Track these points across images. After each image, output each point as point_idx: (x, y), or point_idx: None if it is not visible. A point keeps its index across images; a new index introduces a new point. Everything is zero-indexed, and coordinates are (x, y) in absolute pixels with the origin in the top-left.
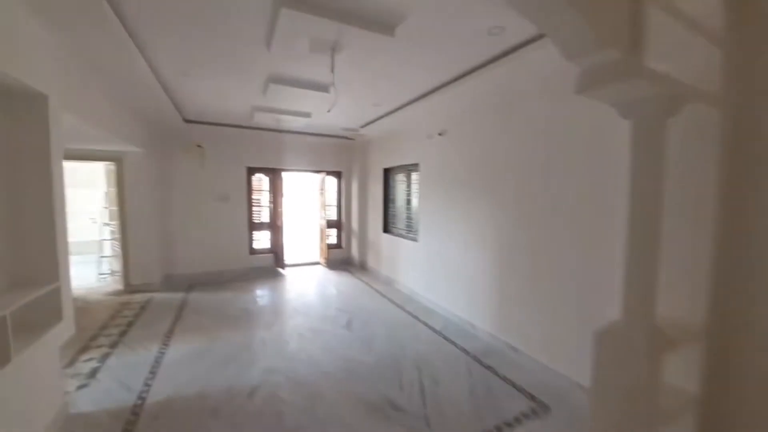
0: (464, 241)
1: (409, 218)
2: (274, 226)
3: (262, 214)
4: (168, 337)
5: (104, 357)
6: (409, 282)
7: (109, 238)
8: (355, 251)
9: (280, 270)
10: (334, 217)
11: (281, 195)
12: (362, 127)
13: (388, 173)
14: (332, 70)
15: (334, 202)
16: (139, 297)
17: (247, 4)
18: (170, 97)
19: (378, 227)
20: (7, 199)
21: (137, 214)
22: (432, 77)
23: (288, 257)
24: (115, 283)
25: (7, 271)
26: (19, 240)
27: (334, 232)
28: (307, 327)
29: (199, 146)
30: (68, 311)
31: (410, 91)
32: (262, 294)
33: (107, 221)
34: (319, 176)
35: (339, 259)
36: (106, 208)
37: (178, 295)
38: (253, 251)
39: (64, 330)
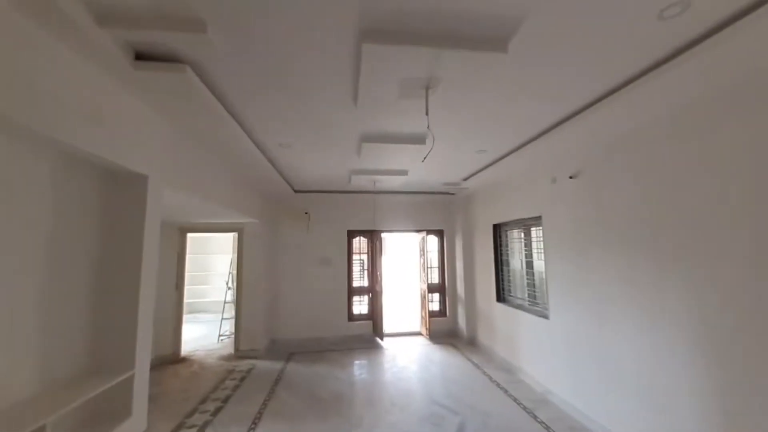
0: (634, 326)
1: (531, 286)
2: (373, 290)
3: (362, 279)
4: (255, 422)
5: None
6: (539, 374)
7: (230, 300)
8: (461, 321)
9: (379, 340)
10: (436, 280)
11: (380, 257)
12: (465, 179)
13: (498, 230)
14: (426, 113)
15: (436, 264)
16: (244, 364)
17: (324, 51)
18: (278, 171)
19: (489, 294)
20: (96, 274)
21: (250, 280)
22: (556, 106)
23: (387, 325)
24: (229, 346)
25: (85, 354)
26: (100, 319)
27: (437, 297)
28: (404, 431)
29: (306, 213)
30: (140, 405)
31: (525, 129)
32: (356, 373)
33: (230, 285)
34: (418, 236)
35: (443, 330)
36: (230, 273)
37: (277, 365)
38: (351, 317)
39: (135, 427)
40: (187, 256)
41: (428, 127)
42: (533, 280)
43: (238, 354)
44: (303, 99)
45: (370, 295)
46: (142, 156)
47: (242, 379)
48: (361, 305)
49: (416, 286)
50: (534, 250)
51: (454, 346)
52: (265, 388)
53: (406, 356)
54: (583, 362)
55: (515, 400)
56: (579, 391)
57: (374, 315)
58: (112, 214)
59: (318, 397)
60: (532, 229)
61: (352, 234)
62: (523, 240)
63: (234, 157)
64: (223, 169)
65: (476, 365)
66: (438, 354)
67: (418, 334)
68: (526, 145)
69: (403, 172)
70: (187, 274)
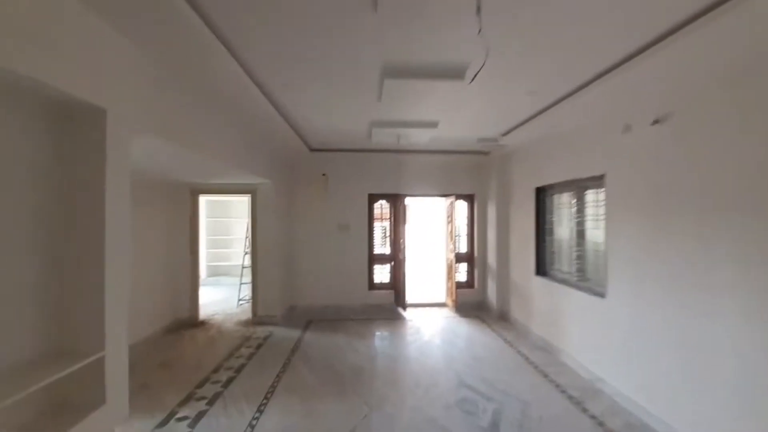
0: (741, 314)
1: (581, 259)
2: (396, 259)
3: (383, 246)
4: (267, 397)
5: (197, 418)
6: (586, 358)
7: (248, 265)
8: (491, 294)
9: (401, 310)
10: (464, 249)
11: (404, 224)
12: (505, 134)
13: (542, 194)
14: (478, 10)
15: (465, 232)
16: (261, 331)
17: None
18: (287, 121)
19: (527, 267)
20: (49, 237)
21: (266, 244)
22: (644, 24)
23: (410, 296)
24: (248, 311)
25: (37, 335)
26: (57, 293)
27: (464, 267)
28: (429, 418)
29: (323, 175)
30: (117, 390)
31: (594, 60)
32: (377, 345)
33: (247, 250)
34: (446, 201)
35: (470, 302)
36: (247, 237)
37: (295, 333)
38: (372, 286)
39: (111, 416)
40: (209, 220)
41: (480, 31)
42: (584, 252)
43: (256, 320)
44: (311, 32)
45: (392, 263)
46: (98, 84)
47: (258, 346)
48: (382, 274)
49: (441, 255)
50: (588, 218)
51: (482, 320)
52: (280, 358)
53: (431, 329)
54: (651, 350)
55: (558, 386)
56: (641, 383)
57: (396, 284)
58: (66, 161)
59: (335, 370)
60: (588, 192)
61: (373, 198)
62: (574, 205)
63: (231, 101)
64: (222, 118)
65: (509, 343)
66: (465, 328)
67: (443, 305)
68: (592, 83)
69: (433, 125)
70: (209, 238)
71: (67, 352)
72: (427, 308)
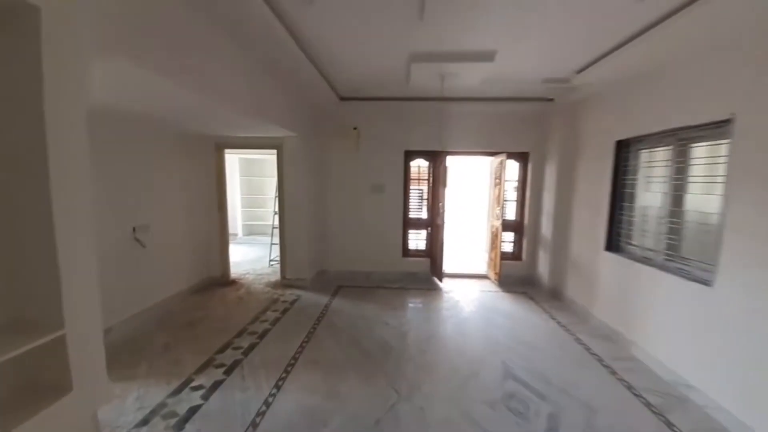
0: None
1: (676, 233)
2: (434, 224)
3: (420, 210)
4: (287, 371)
5: (213, 388)
6: (671, 356)
7: (277, 226)
8: (543, 268)
9: (437, 281)
10: (512, 216)
11: (444, 186)
12: (582, 70)
13: (624, 149)
14: None
15: (514, 197)
16: (289, 294)
17: None
18: (307, 56)
19: (594, 240)
20: None
21: (293, 204)
22: None
23: (447, 265)
24: (279, 272)
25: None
26: (12, 250)
27: (510, 237)
28: (468, 416)
29: (354, 129)
30: (91, 375)
31: None
32: (409, 319)
33: (276, 209)
34: (494, 161)
35: (516, 276)
36: (276, 196)
37: (323, 299)
38: (406, 252)
39: (81, 404)
40: (243, 179)
41: None
42: (682, 224)
43: (285, 282)
44: None
45: (429, 229)
46: None
47: (284, 311)
48: (417, 240)
49: (484, 222)
50: (693, 179)
51: (530, 297)
52: (306, 326)
53: (470, 303)
54: None
55: (631, 388)
56: (748, 398)
57: (433, 252)
58: None
59: (362, 346)
60: (695, 145)
61: (410, 155)
62: (673, 163)
63: (244, 29)
64: (235, 52)
65: (564, 327)
66: (510, 305)
67: (484, 277)
68: None
69: (488, 56)
70: (244, 197)
71: (29, 326)
72: (466, 280)
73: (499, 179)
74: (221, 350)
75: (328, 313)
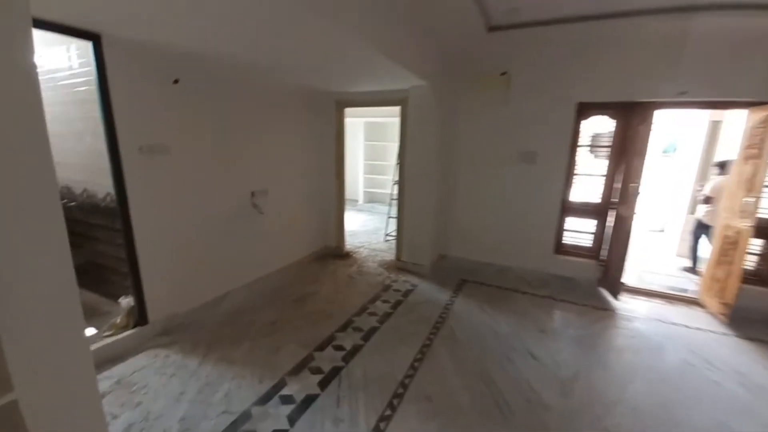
0: None
1: None
2: (611, 212)
3: (589, 189)
4: (393, 404)
5: (303, 406)
6: None
7: (395, 197)
8: None
9: (609, 296)
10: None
11: (641, 157)
12: None
13: None
14: None
15: None
16: (402, 281)
17: None
18: None
19: None
20: None
21: (416, 173)
22: None
23: (628, 275)
24: (393, 251)
25: None
26: None
27: (759, 246)
28: None
29: (502, 74)
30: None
31: None
32: (568, 356)
33: (395, 178)
34: (751, 115)
35: (763, 312)
36: (397, 163)
37: (442, 296)
38: (561, 248)
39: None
40: (367, 144)
41: None
42: None
43: (399, 265)
44: None
45: (601, 218)
46: None
47: (397, 304)
48: (580, 232)
49: (681, 212)
50: None
51: None
52: (420, 332)
53: (674, 347)
54: None
55: None
56: None
57: (611, 253)
58: None
59: (496, 388)
60: None
61: (585, 110)
62: None
63: None
64: None
65: None
66: (759, 367)
67: (693, 303)
68: None
69: None
70: (366, 163)
71: None
72: (659, 302)
73: (758, 149)
74: (321, 347)
75: (449, 317)
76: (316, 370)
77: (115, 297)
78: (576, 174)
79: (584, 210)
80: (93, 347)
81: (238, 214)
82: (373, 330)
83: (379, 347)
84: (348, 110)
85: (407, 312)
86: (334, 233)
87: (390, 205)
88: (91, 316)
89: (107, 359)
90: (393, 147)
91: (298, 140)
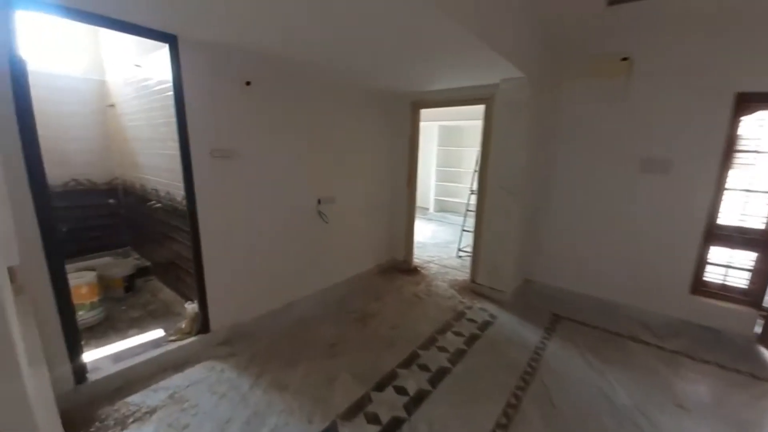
0: None
1: None
2: None
3: (749, 211)
4: None
5: None
6: None
7: (472, 209)
8: None
9: None
10: None
11: None
12: None
13: None
14: None
15: None
16: (478, 309)
17: None
18: None
19: None
20: None
21: (501, 181)
22: None
23: None
24: (467, 269)
25: None
26: None
27: None
28: None
29: (623, 60)
30: None
31: None
32: None
33: (473, 188)
34: None
35: None
36: (475, 171)
37: (530, 335)
38: (700, 286)
39: None
40: (440, 149)
41: None
42: None
43: (475, 288)
44: None
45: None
46: None
47: (471, 339)
48: (730, 268)
49: None
50: None
51: None
52: (503, 387)
53: None
54: None
55: None
56: None
57: None
58: None
59: None
60: None
61: (746, 102)
62: None
63: None
64: None
65: None
66: None
67: None
68: None
69: None
70: (439, 169)
71: None
72: None
73: None
74: (381, 385)
75: (540, 367)
76: (373, 419)
77: (187, 298)
78: (728, 189)
79: (740, 238)
80: (156, 352)
81: (303, 221)
82: (443, 372)
83: (450, 397)
84: (423, 113)
85: (486, 351)
86: (402, 246)
87: (465, 216)
88: (164, 314)
89: (167, 366)
90: (469, 153)
91: (369, 145)
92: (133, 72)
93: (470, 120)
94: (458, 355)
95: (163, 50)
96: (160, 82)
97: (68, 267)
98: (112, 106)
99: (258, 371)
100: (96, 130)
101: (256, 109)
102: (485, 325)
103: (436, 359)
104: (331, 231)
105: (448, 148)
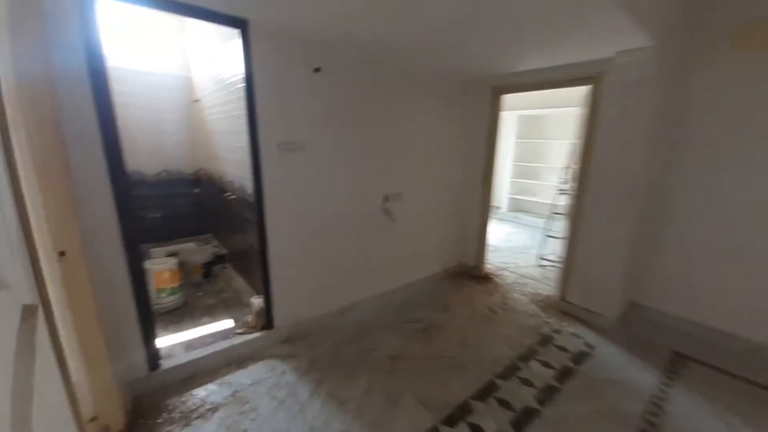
0: None
1: None
2: None
3: None
4: None
5: None
6: None
7: (561, 211)
8: None
9: None
10: None
11: None
12: None
13: None
14: None
15: None
16: (569, 336)
17: None
18: None
19: None
20: None
21: (607, 179)
22: None
23: None
24: (553, 282)
25: None
26: None
27: None
28: None
29: None
30: None
31: None
32: None
33: (563, 187)
34: None
35: None
36: (568, 167)
37: (643, 379)
38: None
39: None
40: (519, 141)
41: None
42: None
43: (564, 307)
44: None
45: None
46: None
47: (563, 374)
48: None
49: None
50: None
51: None
52: None
53: None
54: None
55: None
56: None
57: None
58: None
59: None
60: None
61: None
62: None
63: None
64: None
65: None
66: None
67: None
68: None
69: None
70: (515, 164)
71: None
72: None
73: None
74: (451, 420)
75: (662, 427)
76: None
77: (255, 289)
78: None
79: None
80: (224, 345)
81: (369, 219)
82: (529, 414)
83: None
84: (503, 100)
85: (584, 393)
86: (474, 249)
87: (550, 218)
88: (234, 304)
89: (233, 360)
90: (552, 145)
91: (442, 137)
92: (212, 66)
93: (556, 108)
94: (548, 393)
95: (236, 41)
96: (234, 74)
97: (159, 250)
98: (197, 101)
99: (318, 377)
100: (184, 123)
101: (322, 100)
102: (580, 357)
103: (519, 395)
104: (397, 230)
105: (527, 141)
